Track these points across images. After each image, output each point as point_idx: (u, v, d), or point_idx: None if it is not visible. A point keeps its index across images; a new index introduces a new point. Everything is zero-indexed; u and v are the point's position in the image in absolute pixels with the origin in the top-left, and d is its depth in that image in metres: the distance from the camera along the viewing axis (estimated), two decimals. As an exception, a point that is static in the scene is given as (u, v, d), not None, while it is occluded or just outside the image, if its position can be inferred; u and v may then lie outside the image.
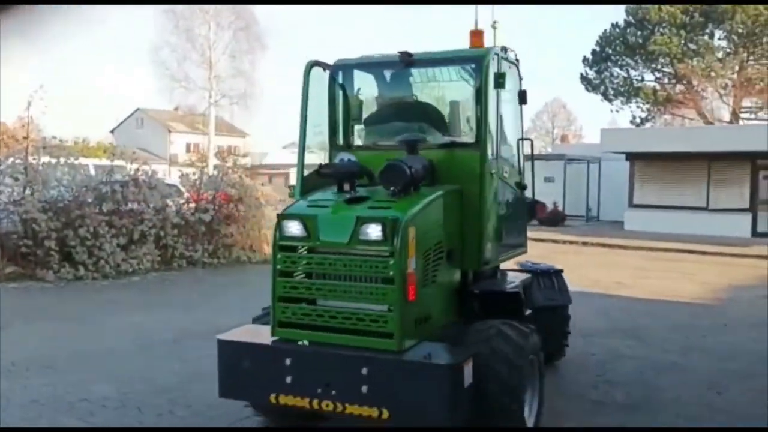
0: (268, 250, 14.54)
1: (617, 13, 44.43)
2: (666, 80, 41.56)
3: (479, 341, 4.31)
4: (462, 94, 5.45)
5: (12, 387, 5.70)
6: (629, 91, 41.89)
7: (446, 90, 5.73)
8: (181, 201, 14.06)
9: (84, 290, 10.51)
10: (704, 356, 7.28)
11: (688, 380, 6.39)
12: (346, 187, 4.60)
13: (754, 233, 22.21)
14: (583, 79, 42.68)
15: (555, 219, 26.14)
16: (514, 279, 5.80)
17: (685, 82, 38.67)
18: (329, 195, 4.63)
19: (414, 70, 5.55)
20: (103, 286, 10.91)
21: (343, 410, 4.03)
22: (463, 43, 5.41)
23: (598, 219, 28.78)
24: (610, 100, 42.30)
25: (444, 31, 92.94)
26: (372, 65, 5.64)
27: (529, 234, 18.44)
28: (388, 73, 5.65)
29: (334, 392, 4.03)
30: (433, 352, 4.10)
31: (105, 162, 14.16)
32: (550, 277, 6.73)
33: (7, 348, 6.89)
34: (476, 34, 5.36)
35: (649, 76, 41.86)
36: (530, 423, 4.54)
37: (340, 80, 5.45)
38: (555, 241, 20.67)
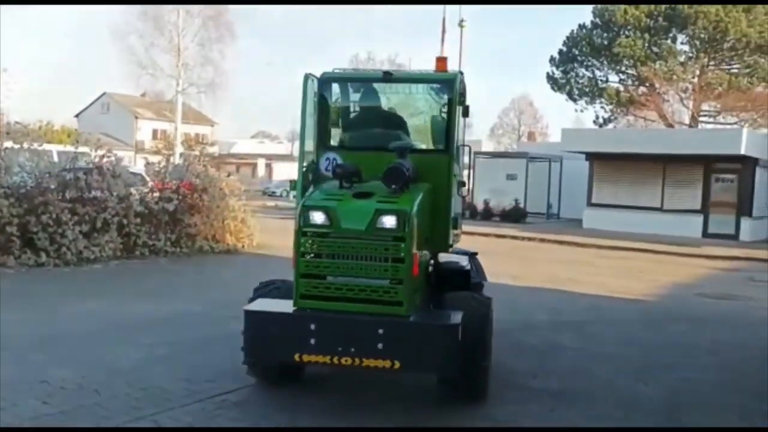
0: (231, 240, 14.76)
1: (584, 14, 45.18)
2: (629, 82, 42.52)
3: (465, 307, 5.32)
4: (431, 108, 6.46)
5: (-28, 368, 5.89)
6: (594, 92, 42.78)
7: (416, 104, 6.74)
8: (145, 190, 14.17)
9: (45, 277, 10.62)
10: (637, 348, 7.75)
11: (620, 370, 6.83)
12: (346, 183, 5.50)
13: (705, 234, 23.04)
14: (549, 78, 43.45)
15: (516, 216, 26.71)
16: (459, 260, 6.51)
17: (647, 84, 39.64)
18: (335, 190, 5.48)
19: (391, 86, 6.51)
20: (64, 272, 11.02)
21: (361, 363, 4.95)
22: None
23: (559, 217, 29.45)
24: (574, 100, 43.17)
25: (411, 24, 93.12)
26: (356, 79, 6.73)
27: (490, 230, 19.32)
28: (369, 87, 6.56)
29: (353, 350, 4.93)
30: (436, 316, 5.36)
31: (69, 148, 14.20)
32: (472, 259, 7.39)
33: (-33, 331, 7.05)
34: (441, 60, 6.38)
35: (613, 78, 42.86)
36: None
37: (328, 90, 6.25)
38: (514, 237, 21.21)
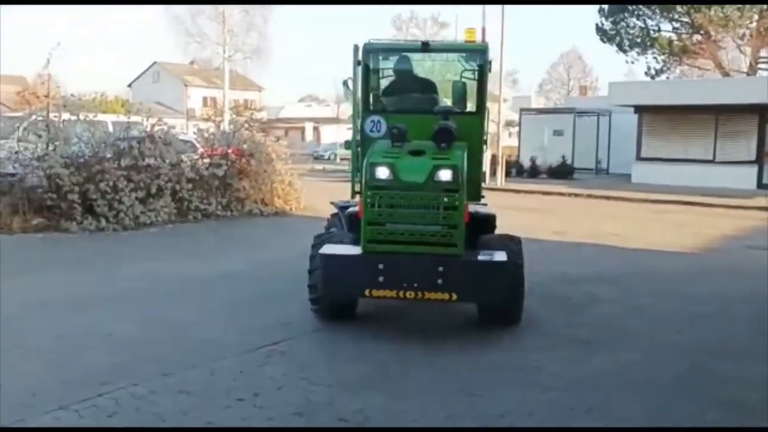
0: (278, 203, 15.22)
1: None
2: (683, 30, 41.17)
3: (502, 247, 6.27)
4: (462, 74, 7.01)
5: (45, 323, 6.43)
6: (645, 42, 41.53)
7: (449, 70, 7.50)
8: (196, 156, 14.67)
9: (105, 240, 11.23)
10: (675, 300, 7.85)
11: (653, 320, 6.99)
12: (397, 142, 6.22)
13: (760, 185, 22.51)
14: (599, 29, 42.30)
15: (563, 172, 26.53)
16: (483, 208, 7.05)
17: (702, 32, 38.28)
18: (391, 148, 6.20)
19: (427, 55, 7.28)
20: (123, 236, 11.62)
21: (423, 297, 5.91)
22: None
23: (608, 172, 29.12)
24: (625, 51, 42.00)
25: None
26: (397, 49, 7.45)
27: (536, 187, 19.48)
28: (408, 56, 7.19)
29: (416, 285, 5.84)
30: (485, 254, 6.12)
31: (122, 118, 14.80)
32: None
33: (38, 290, 7.64)
34: (470, 32, 7.09)
35: (665, 27, 41.49)
36: None
37: (371, 60, 6.93)
38: (560, 194, 21.17)
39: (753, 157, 22.84)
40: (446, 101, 7.11)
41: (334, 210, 7.72)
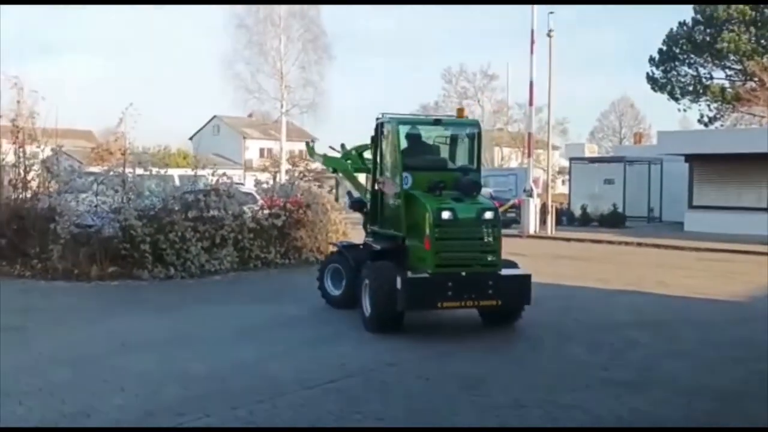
0: (333, 251, 15.90)
1: (685, 12, 43.99)
2: (736, 78, 41.08)
3: (514, 265, 8.87)
4: (462, 141, 9.51)
5: (125, 362, 7.15)
6: (697, 90, 41.59)
7: (453, 137, 9.58)
8: (256, 207, 15.55)
9: (174, 287, 12.04)
10: (714, 345, 8.13)
11: (691, 364, 7.30)
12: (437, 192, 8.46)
13: (815, 233, 22.17)
14: (650, 78, 42.57)
15: (614, 220, 26.63)
16: None
17: (755, 79, 38.15)
18: (437, 197, 8.34)
19: (437, 127, 9.65)
20: (189, 283, 12.43)
21: (479, 304, 8.30)
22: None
23: (660, 220, 29.01)
24: (677, 99, 42.10)
25: (496, 37, 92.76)
26: (415, 122, 9.79)
27: (587, 236, 20.05)
28: (421, 127, 9.57)
29: (474, 295, 8.10)
30: (514, 270, 8.64)
31: (189, 172, 15.84)
32: None
33: (116, 332, 8.43)
34: (460, 110, 10.10)
35: (718, 74, 41.52)
36: None
37: (388, 129, 9.07)
38: (610, 242, 21.33)
39: (807, 205, 22.62)
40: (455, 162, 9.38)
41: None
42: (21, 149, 14.49)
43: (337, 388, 6.33)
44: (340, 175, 12.15)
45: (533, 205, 24.35)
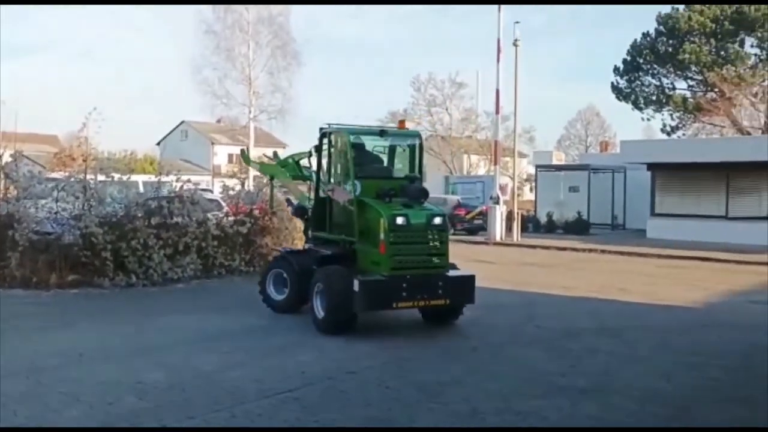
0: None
1: (647, 23, 44.93)
2: (697, 88, 41.95)
3: (456, 267, 9.29)
4: (405, 151, 10.01)
5: (82, 372, 7.03)
6: (660, 100, 42.38)
7: (397, 148, 10.02)
8: (221, 214, 15.43)
9: (135, 295, 11.88)
10: (671, 352, 8.29)
11: (647, 371, 7.43)
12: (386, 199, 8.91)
13: (773, 241, 22.72)
14: (614, 88, 43.27)
15: (579, 227, 26.99)
16: None
17: (716, 90, 39.00)
18: (388, 204, 8.78)
19: (382, 138, 9.89)
20: (152, 292, 12.27)
21: (429, 303, 8.76)
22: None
23: (624, 227, 29.50)
24: (640, 109, 42.86)
25: (465, 45, 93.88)
26: (361, 132, 9.94)
27: (552, 243, 20.55)
28: (367, 137, 9.88)
29: (425, 295, 8.64)
30: (460, 271, 9.24)
31: (152, 179, 15.67)
32: None
33: (75, 342, 8.29)
34: (401, 122, 10.79)
35: (680, 85, 42.36)
36: None
37: (339, 140, 9.60)
38: (575, 249, 21.61)
39: (765, 213, 23.15)
40: (398, 171, 9.89)
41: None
42: (-21, 154, 14.21)
43: (296, 396, 6.30)
44: (276, 182, 12.54)
45: (500, 212, 24.56)
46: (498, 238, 24.14)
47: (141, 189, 15.01)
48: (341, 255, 9.26)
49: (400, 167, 9.89)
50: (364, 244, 8.92)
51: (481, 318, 10.30)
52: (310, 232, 10.45)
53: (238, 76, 35.81)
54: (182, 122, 64.06)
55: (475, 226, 27.10)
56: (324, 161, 9.94)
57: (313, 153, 10.27)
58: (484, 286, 13.30)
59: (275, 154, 12.87)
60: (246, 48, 35.80)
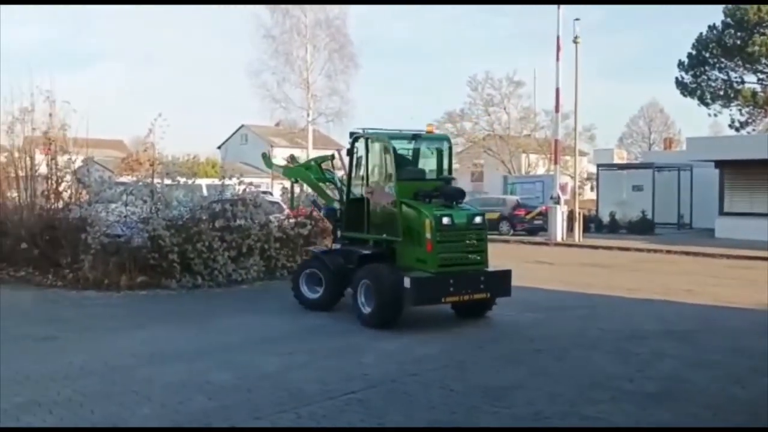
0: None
1: (714, 15, 43.58)
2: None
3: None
4: (438, 153, 10.42)
5: (153, 372, 7.25)
6: (728, 95, 40.96)
7: (428, 150, 10.48)
8: (282, 217, 15.66)
9: (201, 297, 12.17)
10: (742, 356, 8.01)
11: (719, 376, 7.20)
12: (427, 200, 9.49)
13: None
14: (679, 83, 42.01)
15: (643, 227, 26.34)
16: None
17: (787, 83, 37.53)
18: (430, 204, 9.35)
19: (415, 142, 10.28)
20: (217, 293, 12.55)
21: (473, 297, 9.32)
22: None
23: (691, 227, 28.62)
24: (707, 104, 41.50)
25: (522, 44, 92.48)
26: (397, 137, 10.27)
27: (615, 243, 20.32)
28: (400, 141, 10.17)
29: (469, 290, 9.22)
30: (497, 267, 9.83)
31: (216, 182, 16.02)
32: None
33: (145, 343, 8.57)
34: (430, 126, 10.68)
35: (749, 78, 40.85)
36: None
37: (379, 144, 10.06)
38: (639, 250, 21.11)
39: (842, 211, 22.15)
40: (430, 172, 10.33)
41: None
42: (53, 160, 14.79)
43: (359, 398, 6.36)
44: (300, 185, 13.08)
45: (560, 213, 24.18)
46: (559, 239, 23.78)
47: (205, 192, 15.36)
48: (381, 254, 9.78)
49: (432, 169, 10.33)
50: (406, 243, 9.41)
51: (544, 321, 10.20)
52: (339, 233, 10.97)
53: (296, 79, 36.38)
54: (242, 126, 65.29)
55: (535, 227, 26.75)
56: (364, 164, 10.21)
57: (337, 156, 11.28)
58: (545, 287, 13.25)
59: (292, 157, 13.17)
60: (304, 51, 36.33)
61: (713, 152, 24.60)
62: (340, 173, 12.08)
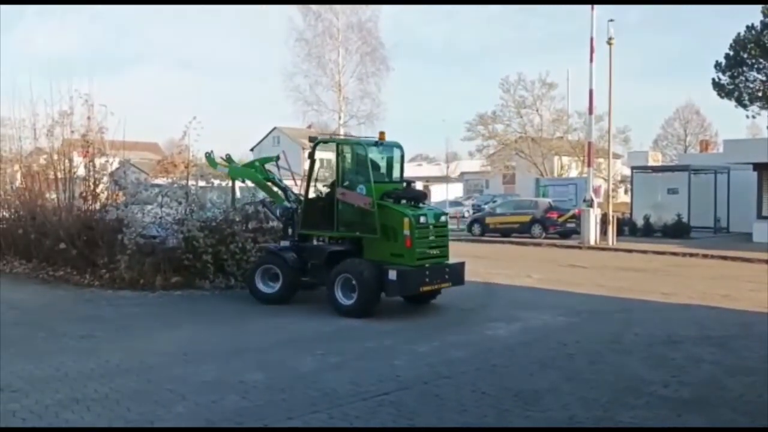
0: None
1: (752, 15, 42.76)
2: (808, 82, 39.45)
3: None
4: (392, 159, 11.34)
5: (187, 371, 7.35)
6: (766, 96, 40.10)
7: (385, 156, 11.34)
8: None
9: (234, 297, 12.27)
10: (782, 363, 7.84)
11: (757, 383, 7.06)
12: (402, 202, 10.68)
13: None
14: (716, 84, 41.26)
15: (678, 231, 25.92)
16: None
17: (829, 83, 36.61)
18: (403, 205, 10.51)
19: (377, 146, 11.13)
20: (249, 294, 12.62)
21: (440, 286, 10.71)
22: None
23: (728, 231, 28.08)
24: (745, 106, 40.70)
25: (555, 45, 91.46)
26: (355, 143, 11.72)
27: (649, 246, 19.94)
28: (367, 147, 11.00)
29: (438, 280, 10.59)
30: (455, 261, 11.12)
31: (248, 184, 16.15)
32: None
33: (179, 342, 8.69)
34: (382, 135, 11.13)
35: (789, 79, 39.92)
36: None
37: (352, 150, 11.23)
38: (674, 254, 20.77)
39: None
40: (386, 177, 11.19)
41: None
42: (91, 163, 15.09)
43: (392, 400, 6.37)
44: (243, 184, 13.60)
45: (593, 216, 23.92)
46: (592, 242, 23.52)
47: (238, 194, 15.51)
48: (350, 250, 10.77)
49: (382, 173, 11.20)
50: (380, 239, 10.34)
51: (577, 324, 10.11)
52: (289, 230, 11.82)
53: (328, 82, 36.53)
54: (274, 128, 65.93)
55: (568, 230, 26.50)
56: (339, 167, 11.03)
57: (282, 158, 12.76)
58: (578, 291, 13.13)
59: (229, 157, 13.49)
60: (336, 54, 36.47)
61: (751, 155, 24.11)
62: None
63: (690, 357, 8.08)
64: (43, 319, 10.14)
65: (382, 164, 11.25)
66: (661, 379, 7.11)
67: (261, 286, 11.53)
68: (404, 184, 11.12)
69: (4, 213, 17.27)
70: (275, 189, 12.63)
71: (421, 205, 10.82)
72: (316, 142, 11.56)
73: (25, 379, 6.88)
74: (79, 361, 7.62)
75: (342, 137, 11.13)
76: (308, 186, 11.41)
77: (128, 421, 5.77)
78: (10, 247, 15.87)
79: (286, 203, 12.23)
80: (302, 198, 11.73)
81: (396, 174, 11.35)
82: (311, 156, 11.41)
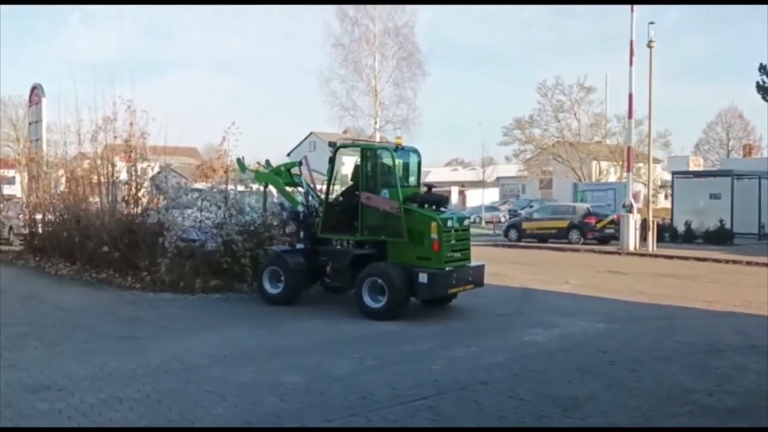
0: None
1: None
2: None
3: None
4: (410, 163, 11.59)
5: (227, 373, 7.44)
6: (813, 99, 39.05)
7: (403, 161, 11.46)
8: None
9: (272, 300, 12.41)
10: (830, 373, 7.61)
11: (804, 393, 6.88)
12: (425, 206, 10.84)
13: None
14: (760, 87, 40.26)
15: (720, 237, 25.38)
16: None
17: None
18: (426, 209, 10.63)
19: (397, 151, 11.20)
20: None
21: (465, 287, 10.89)
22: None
23: (773, 237, 27.43)
24: (790, 110, 39.78)
25: (593, 48, 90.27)
26: (376, 148, 11.91)
27: (691, 253, 19.53)
28: (390, 151, 11.25)
29: (463, 282, 10.79)
30: (476, 263, 11.30)
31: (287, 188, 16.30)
32: None
33: (219, 344, 8.80)
34: (399, 139, 11.91)
35: (838, 82, 38.80)
36: None
37: (379, 155, 11.28)
38: (716, 260, 20.36)
39: None
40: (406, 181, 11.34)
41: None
42: (133, 167, 15.39)
43: (430, 404, 6.36)
44: (270, 188, 13.46)
45: (633, 221, 23.57)
46: (631, 248, 23.17)
47: (275, 198, 15.65)
48: (375, 254, 10.90)
49: (399, 177, 11.20)
50: (406, 243, 10.47)
51: (617, 331, 9.97)
52: (303, 234, 11.92)
53: (364, 87, 36.72)
54: (311, 133, 66.31)
55: (607, 235, 26.15)
56: (362, 173, 11.13)
57: (305, 163, 12.85)
58: (617, 298, 12.95)
59: (268, 162, 13.62)
60: (372, 60, 36.65)
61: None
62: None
63: (734, 365, 7.91)
64: (86, 320, 10.38)
65: (401, 169, 11.38)
66: (705, 388, 6.97)
67: (267, 287, 11.80)
68: (426, 189, 11.33)
69: (50, 216, 17.75)
70: (292, 192, 12.90)
71: (443, 209, 10.95)
72: (337, 147, 11.74)
73: (70, 377, 7.05)
74: (122, 361, 7.77)
75: (363, 142, 11.42)
76: (328, 190, 11.51)
77: (170, 421, 5.86)
78: (55, 250, 16.30)
79: (299, 207, 12.37)
80: (322, 201, 11.84)
81: (413, 179, 11.51)
82: (332, 161, 11.57)
